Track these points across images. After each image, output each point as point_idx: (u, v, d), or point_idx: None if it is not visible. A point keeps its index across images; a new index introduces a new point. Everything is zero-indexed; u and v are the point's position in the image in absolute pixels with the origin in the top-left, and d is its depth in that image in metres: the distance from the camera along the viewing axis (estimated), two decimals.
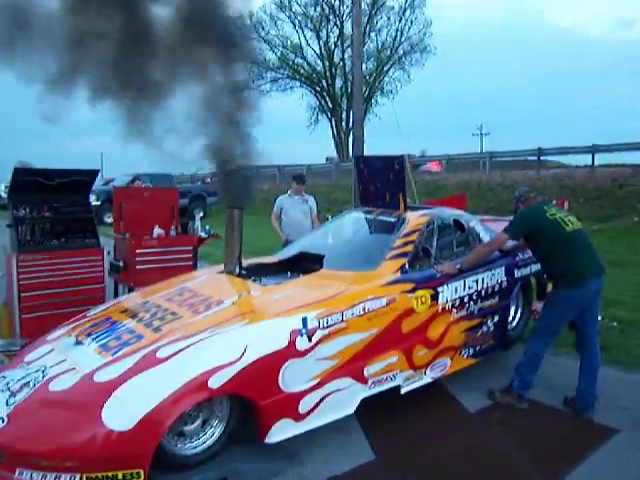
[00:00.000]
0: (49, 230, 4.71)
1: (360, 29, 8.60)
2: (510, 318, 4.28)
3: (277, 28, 26.69)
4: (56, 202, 4.73)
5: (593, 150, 14.10)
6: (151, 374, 2.41)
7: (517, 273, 4.02)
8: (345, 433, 3.01)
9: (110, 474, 2.23)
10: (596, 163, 14.30)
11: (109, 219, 13.51)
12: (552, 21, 66.20)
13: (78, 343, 2.86)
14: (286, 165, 21.53)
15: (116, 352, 2.63)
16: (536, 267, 4.11)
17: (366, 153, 8.91)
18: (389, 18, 26.52)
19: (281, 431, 2.65)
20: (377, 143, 34.09)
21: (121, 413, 2.27)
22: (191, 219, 5.72)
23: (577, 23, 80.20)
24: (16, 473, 2.21)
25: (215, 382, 2.43)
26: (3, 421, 2.32)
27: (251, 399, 2.57)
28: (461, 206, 4.89)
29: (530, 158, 16.41)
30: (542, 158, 15.98)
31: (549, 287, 3.94)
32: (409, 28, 26.58)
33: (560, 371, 3.82)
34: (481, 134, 38.10)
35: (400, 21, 26.49)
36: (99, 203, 13.99)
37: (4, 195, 18.65)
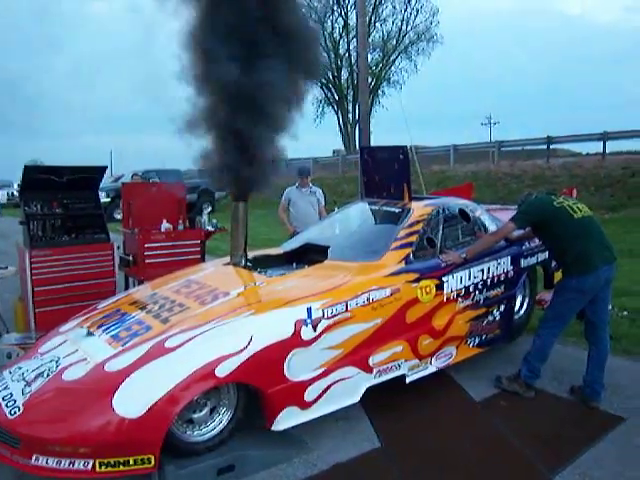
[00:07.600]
0: (60, 226, 4.79)
1: (364, 19, 8.51)
2: (517, 308, 4.29)
3: None
4: (66, 199, 4.81)
5: (604, 137, 13.85)
6: (160, 363, 2.47)
7: (523, 262, 4.01)
8: (351, 421, 3.06)
9: (122, 459, 2.30)
10: (607, 151, 14.09)
11: (119, 215, 13.62)
12: (561, 8, 65.05)
13: (90, 334, 2.92)
14: (292, 158, 21.52)
15: (126, 342, 2.69)
16: (543, 256, 4.10)
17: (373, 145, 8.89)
18: (395, 7, 26.23)
19: (288, 419, 2.70)
20: (385, 136, 33.91)
21: (131, 401, 2.33)
22: (199, 214, 5.78)
23: (586, 10, 78.72)
24: (32, 459, 2.28)
25: (222, 371, 2.48)
26: (19, 410, 2.39)
27: (258, 387, 2.63)
28: (467, 196, 4.88)
29: (540, 147, 16.22)
30: (552, 146, 15.79)
31: (557, 276, 3.93)
32: (415, 17, 26.30)
33: (567, 361, 3.82)
34: (490, 123, 37.65)
35: (406, 10, 26.20)
36: (109, 200, 14.09)
37: (17, 194, 18.89)
